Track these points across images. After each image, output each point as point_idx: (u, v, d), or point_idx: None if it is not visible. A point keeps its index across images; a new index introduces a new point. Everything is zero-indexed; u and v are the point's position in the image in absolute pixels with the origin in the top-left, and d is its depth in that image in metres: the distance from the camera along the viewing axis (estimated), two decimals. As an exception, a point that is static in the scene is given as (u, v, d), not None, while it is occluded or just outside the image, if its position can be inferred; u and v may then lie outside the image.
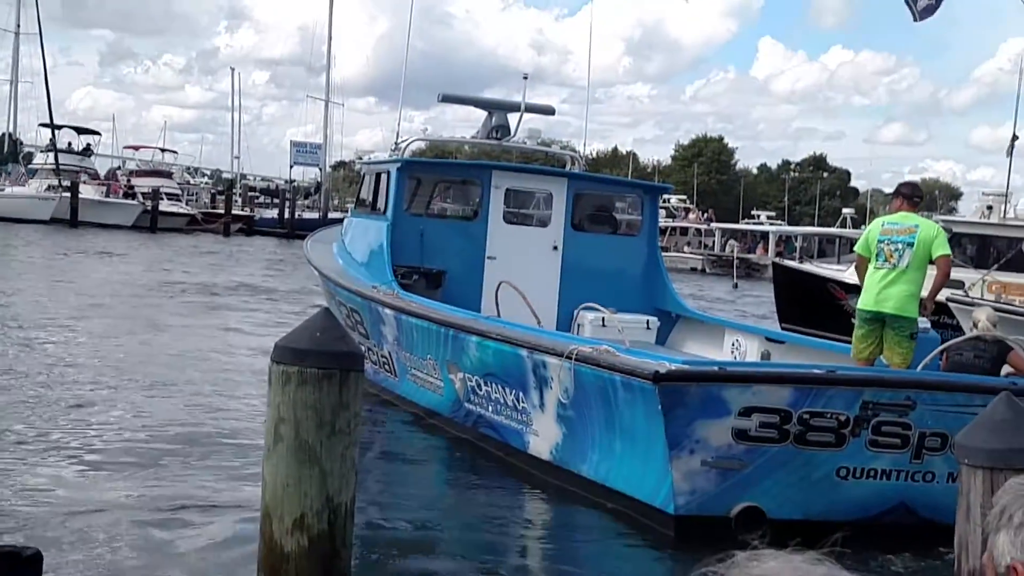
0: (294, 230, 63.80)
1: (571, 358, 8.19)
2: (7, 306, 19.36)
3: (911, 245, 8.95)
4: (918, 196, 9.71)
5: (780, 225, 72.62)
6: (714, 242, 67.79)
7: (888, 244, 9.03)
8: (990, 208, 23.54)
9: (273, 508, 5.44)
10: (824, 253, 59.52)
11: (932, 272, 9.24)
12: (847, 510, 7.39)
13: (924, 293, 9.30)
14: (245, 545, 6.48)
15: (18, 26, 46.18)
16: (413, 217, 12.79)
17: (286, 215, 68.42)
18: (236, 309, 22.41)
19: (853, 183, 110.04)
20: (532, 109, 13.93)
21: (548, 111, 14.71)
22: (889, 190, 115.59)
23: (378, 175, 13.37)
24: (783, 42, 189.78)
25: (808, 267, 29.09)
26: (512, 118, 13.69)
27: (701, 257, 62.86)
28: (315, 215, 69.99)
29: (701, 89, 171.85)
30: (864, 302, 9.14)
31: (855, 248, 9.79)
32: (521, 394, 9.21)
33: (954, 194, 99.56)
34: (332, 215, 68.80)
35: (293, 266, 37.80)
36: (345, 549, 5.55)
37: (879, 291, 9.00)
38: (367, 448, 10.21)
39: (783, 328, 22.44)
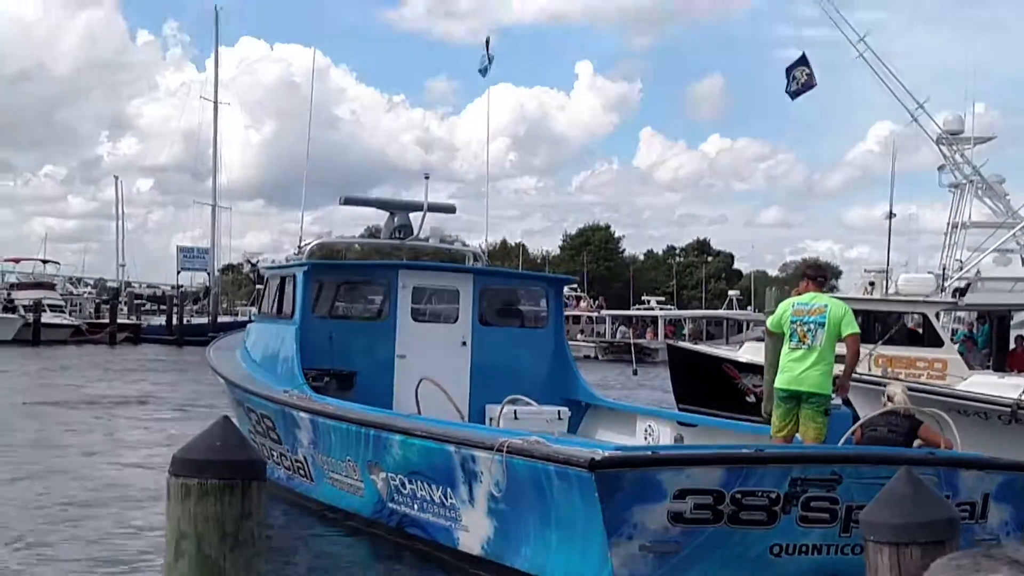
0: (183, 336, 62.77)
1: (502, 451, 8.17)
2: None
3: (823, 325, 9.23)
4: (823, 276, 10.03)
5: (669, 309, 74.00)
6: (605, 329, 68.77)
7: (801, 325, 9.31)
8: (872, 284, 24.35)
9: None
10: (712, 335, 60.81)
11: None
12: None
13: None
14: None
15: None
16: (320, 320, 12.75)
17: (174, 321, 67.20)
18: (127, 422, 21.73)
19: (737, 265, 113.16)
20: (434, 208, 14.12)
21: (450, 209, 14.92)
22: (772, 271, 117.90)
23: (283, 279, 13.31)
24: (663, 132, 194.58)
25: (702, 348, 29.68)
26: (414, 217, 13.87)
27: (593, 344, 63.61)
28: (204, 320, 69.00)
29: (587, 180, 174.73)
30: (781, 382, 9.36)
31: (768, 325, 10.05)
32: (449, 490, 9.13)
33: (834, 272, 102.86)
34: (221, 319, 67.99)
35: (183, 373, 37.04)
36: None
37: (795, 371, 9.24)
38: (283, 557, 9.98)
39: (680, 408, 22.84)
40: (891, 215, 28.43)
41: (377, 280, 13.43)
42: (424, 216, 13.82)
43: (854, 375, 16.51)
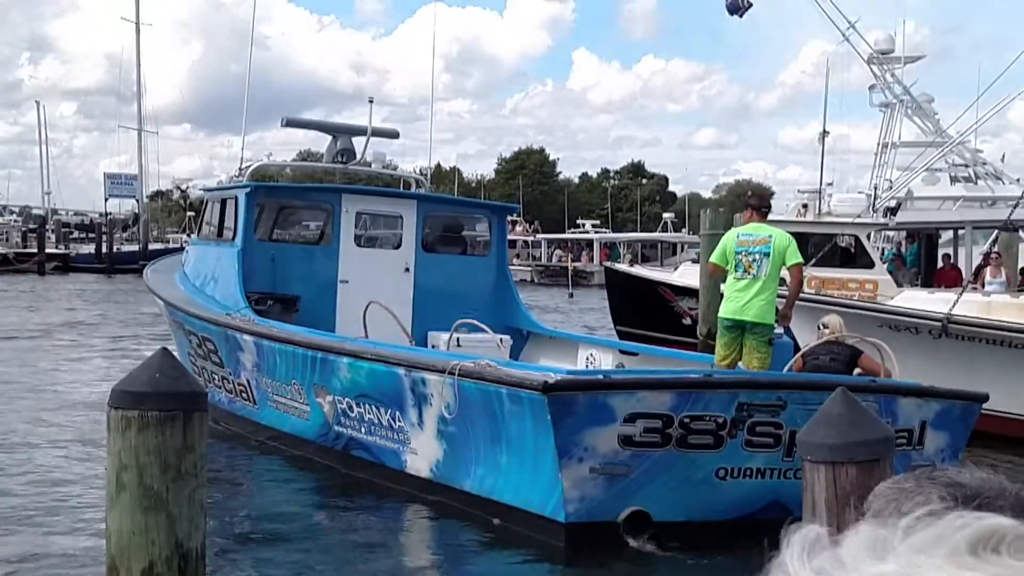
0: (114, 264, 61.90)
1: (454, 374, 8.24)
2: None
3: (767, 255, 9.32)
4: (766, 206, 10.07)
5: (605, 233, 74.37)
6: (541, 253, 69.06)
7: (746, 255, 9.38)
8: (805, 206, 24.66)
9: (120, 559, 5.26)
10: (647, 258, 61.31)
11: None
12: (726, 509, 7.72)
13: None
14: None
15: None
16: (262, 243, 12.64)
17: (104, 249, 66.07)
18: (62, 353, 21.36)
19: (671, 188, 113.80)
20: (378, 133, 13.98)
21: (393, 134, 14.77)
22: (706, 193, 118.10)
23: (223, 201, 13.14)
24: (597, 53, 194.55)
25: (639, 270, 29.95)
26: (357, 142, 13.74)
27: (530, 268, 63.84)
28: (134, 248, 67.94)
29: (521, 102, 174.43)
30: (726, 311, 9.47)
31: (712, 259, 10.08)
32: (398, 413, 9.19)
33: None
34: (152, 246, 66.98)
35: (116, 302, 36.63)
36: None
37: (740, 301, 9.34)
38: (224, 485, 9.92)
39: (617, 330, 23.10)
40: (824, 135, 28.77)
41: (320, 204, 13.32)
42: (368, 140, 13.68)
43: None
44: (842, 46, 25.78)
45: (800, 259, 9.60)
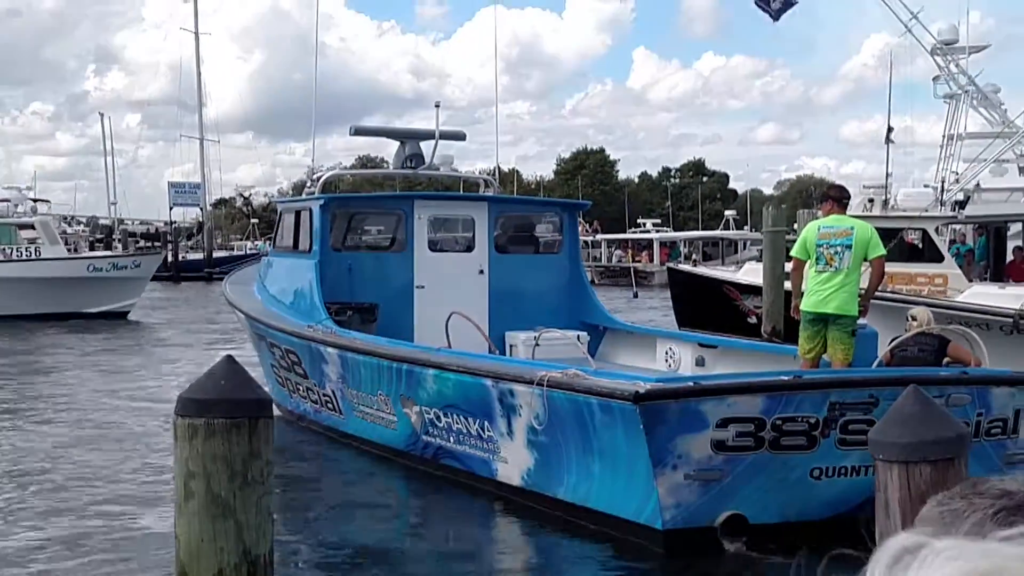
0: (179, 272, 62.98)
1: (543, 385, 8.27)
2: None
3: (849, 247, 9.32)
4: (846, 198, 10.04)
5: (665, 232, 74.13)
6: (600, 253, 69.03)
7: (827, 248, 9.38)
8: (871, 200, 24.46)
9: (189, 566, 5.32)
10: (709, 256, 61.01)
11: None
12: (822, 509, 7.69)
13: None
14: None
15: None
16: (338, 252, 12.80)
17: (170, 258, 67.14)
18: (130, 359, 21.82)
19: (732, 185, 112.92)
20: (445, 136, 14.07)
21: (460, 136, 14.95)
22: (767, 190, 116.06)
23: (297, 213, 13.35)
24: (657, 52, 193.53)
25: (702, 270, 29.87)
26: (424, 146, 13.94)
27: (589, 269, 63.84)
28: (199, 256, 69.09)
29: (580, 103, 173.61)
30: (808, 304, 9.47)
31: (792, 252, 10.10)
32: (486, 423, 9.23)
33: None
34: (217, 254, 68.10)
35: (184, 310, 37.42)
36: None
37: (822, 293, 9.35)
38: (309, 491, 10.03)
39: (682, 331, 23.05)
40: (889, 130, 28.41)
41: (392, 211, 13.49)
42: (436, 144, 13.83)
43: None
44: (905, 38, 25.46)
45: (882, 251, 9.59)
